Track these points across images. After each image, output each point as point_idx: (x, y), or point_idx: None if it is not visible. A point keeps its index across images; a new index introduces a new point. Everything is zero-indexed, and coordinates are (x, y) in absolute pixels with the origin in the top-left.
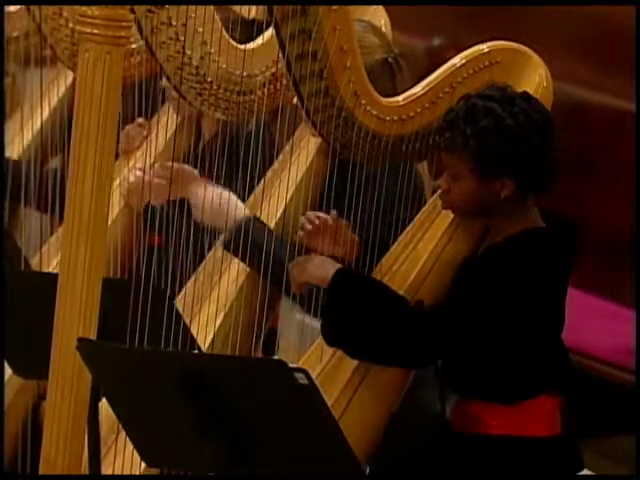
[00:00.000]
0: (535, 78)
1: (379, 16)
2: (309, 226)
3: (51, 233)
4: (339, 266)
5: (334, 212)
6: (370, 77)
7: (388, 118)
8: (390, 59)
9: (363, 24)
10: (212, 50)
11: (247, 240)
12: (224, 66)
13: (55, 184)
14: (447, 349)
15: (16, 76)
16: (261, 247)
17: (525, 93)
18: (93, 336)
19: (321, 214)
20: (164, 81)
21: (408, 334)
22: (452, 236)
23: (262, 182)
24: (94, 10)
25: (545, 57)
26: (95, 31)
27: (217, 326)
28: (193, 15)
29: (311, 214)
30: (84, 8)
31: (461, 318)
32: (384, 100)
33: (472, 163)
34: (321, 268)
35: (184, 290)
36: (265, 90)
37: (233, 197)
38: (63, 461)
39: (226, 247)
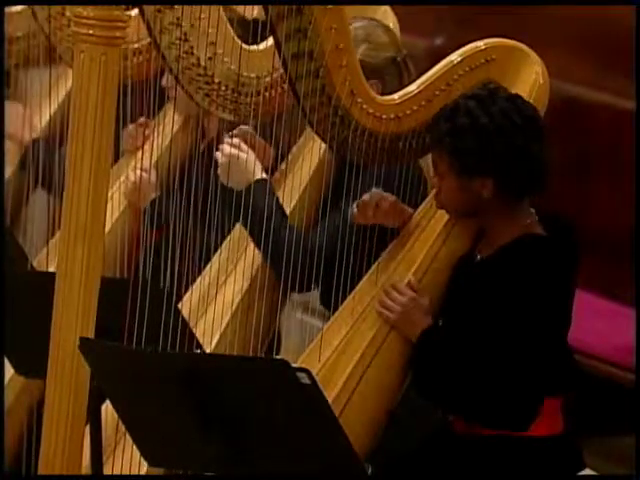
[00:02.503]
0: (532, 75)
1: (387, 18)
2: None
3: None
4: (425, 325)
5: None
6: (377, 75)
7: (384, 116)
8: (398, 58)
9: (374, 22)
10: (220, 51)
11: (249, 203)
12: (232, 67)
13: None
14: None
15: (18, 76)
16: (261, 213)
17: (514, 94)
18: (91, 337)
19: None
20: (164, 80)
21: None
22: (448, 236)
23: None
24: (89, 11)
25: (545, 56)
26: (90, 32)
27: (223, 327)
28: (202, 16)
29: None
30: (79, 9)
31: (472, 331)
32: (380, 98)
33: (449, 161)
34: (409, 321)
35: (190, 291)
36: (273, 91)
37: (252, 159)
38: (62, 461)
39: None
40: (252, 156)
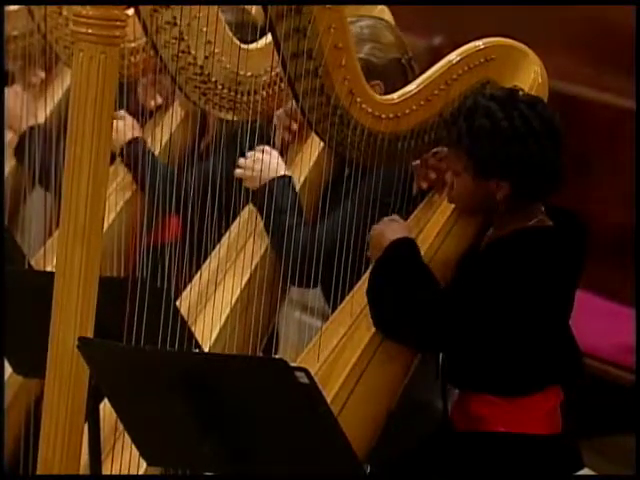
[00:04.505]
0: (530, 75)
1: (383, 17)
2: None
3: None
4: (398, 236)
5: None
6: (381, 75)
7: (383, 116)
8: (404, 60)
9: (383, 22)
10: (217, 50)
11: (269, 198)
12: (228, 66)
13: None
14: (458, 338)
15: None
16: (277, 209)
17: (535, 98)
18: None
19: None
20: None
21: (438, 315)
22: (449, 234)
23: None
24: (88, 10)
25: (545, 56)
26: (90, 31)
27: (222, 323)
28: (198, 15)
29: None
30: (78, 8)
31: (471, 310)
32: (379, 98)
33: (466, 161)
34: (383, 236)
35: (188, 288)
36: (270, 90)
37: (275, 160)
38: (60, 461)
39: (253, 202)
40: (276, 154)
